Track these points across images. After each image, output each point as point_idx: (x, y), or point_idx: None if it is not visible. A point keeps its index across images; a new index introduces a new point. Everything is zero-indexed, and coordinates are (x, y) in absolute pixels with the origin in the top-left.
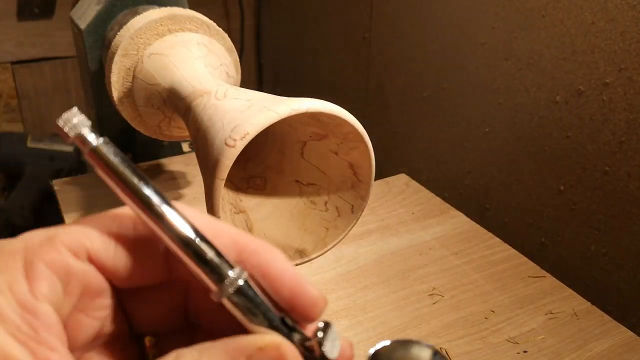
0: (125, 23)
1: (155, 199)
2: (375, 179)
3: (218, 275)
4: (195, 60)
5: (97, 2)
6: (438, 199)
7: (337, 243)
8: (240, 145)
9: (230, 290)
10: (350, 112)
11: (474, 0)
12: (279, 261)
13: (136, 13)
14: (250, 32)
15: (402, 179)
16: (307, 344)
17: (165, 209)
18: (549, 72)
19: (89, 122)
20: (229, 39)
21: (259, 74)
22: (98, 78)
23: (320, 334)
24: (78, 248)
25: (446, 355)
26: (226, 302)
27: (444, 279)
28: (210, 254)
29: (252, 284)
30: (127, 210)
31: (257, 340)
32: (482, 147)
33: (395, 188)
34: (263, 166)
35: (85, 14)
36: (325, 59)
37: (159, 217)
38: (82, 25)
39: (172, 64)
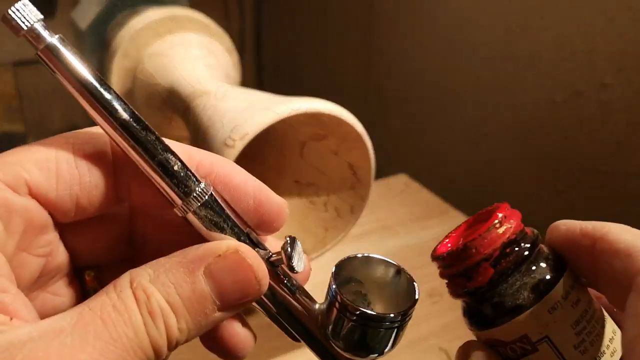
0: (125, 24)
1: (117, 104)
2: (375, 179)
3: (184, 188)
4: (195, 60)
5: (98, 3)
6: (438, 199)
7: (337, 243)
8: (240, 146)
9: (197, 204)
10: (350, 112)
11: (474, 0)
12: (240, 172)
13: (136, 13)
14: (250, 32)
15: (401, 179)
16: (272, 258)
17: (130, 116)
18: (548, 72)
19: (41, 16)
20: (228, 39)
21: (259, 74)
22: None
23: (288, 249)
24: (16, 182)
25: (411, 277)
26: (191, 217)
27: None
28: (176, 166)
29: (217, 197)
30: (60, 138)
31: (214, 248)
32: (481, 147)
33: (395, 188)
34: (263, 166)
35: (85, 15)
36: (325, 59)
37: (121, 125)
38: (83, 25)
39: (172, 64)
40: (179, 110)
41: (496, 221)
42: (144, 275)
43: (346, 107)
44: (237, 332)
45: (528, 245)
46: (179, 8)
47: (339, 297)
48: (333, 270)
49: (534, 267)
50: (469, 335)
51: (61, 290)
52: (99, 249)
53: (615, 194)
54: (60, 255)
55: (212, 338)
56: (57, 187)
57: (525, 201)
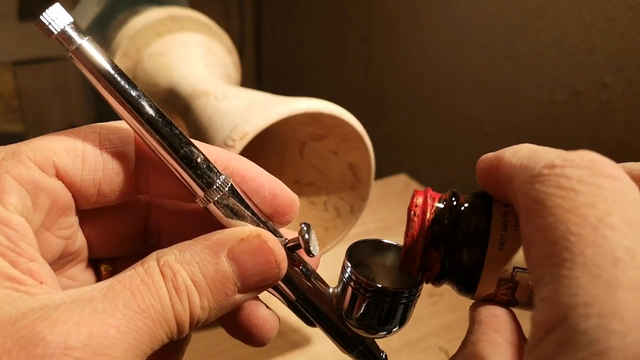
0: (125, 23)
1: (143, 101)
2: (375, 179)
3: (207, 180)
4: (195, 60)
5: (98, 3)
6: None
7: (336, 243)
8: (240, 146)
9: (219, 194)
10: (349, 112)
11: (474, 0)
12: (255, 166)
13: (136, 13)
14: (250, 32)
15: (401, 179)
16: (288, 245)
17: (155, 112)
18: (548, 72)
19: (72, 19)
20: (228, 39)
21: (259, 74)
22: None
23: (305, 234)
24: (45, 163)
25: None
26: (212, 208)
27: None
28: (199, 159)
29: (237, 188)
30: (88, 128)
31: (238, 232)
32: (481, 147)
33: (395, 188)
34: (263, 166)
35: (85, 15)
36: (325, 59)
37: (147, 121)
38: (83, 25)
39: (172, 64)
40: (179, 110)
41: (411, 213)
42: (170, 254)
43: (346, 107)
44: (262, 314)
45: (447, 213)
46: (179, 8)
47: (354, 276)
48: (346, 253)
49: (463, 225)
50: None
51: (77, 276)
52: (115, 240)
53: None
54: (79, 240)
55: (236, 322)
56: (82, 172)
57: None
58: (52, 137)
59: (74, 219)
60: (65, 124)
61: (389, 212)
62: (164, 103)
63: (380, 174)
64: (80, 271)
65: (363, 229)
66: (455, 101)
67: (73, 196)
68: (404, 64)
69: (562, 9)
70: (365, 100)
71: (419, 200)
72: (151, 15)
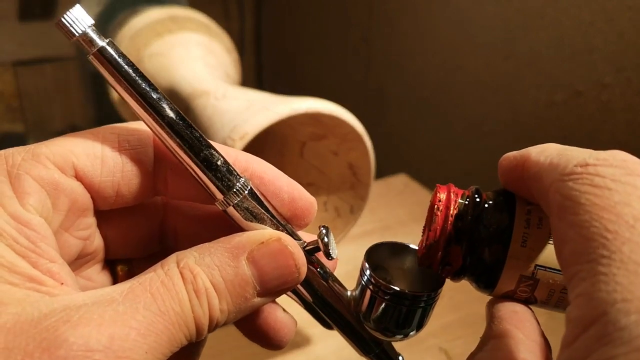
0: (125, 23)
1: (164, 104)
2: (375, 179)
3: (227, 182)
4: (195, 60)
5: (98, 3)
6: None
7: (337, 243)
8: (240, 146)
9: (238, 198)
10: (349, 112)
11: (474, 0)
12: (273, 169)
13: (136, 13)
14: (250, 32)
15: (401, 179)
16: (307, 248)
17: (175, 115)
18: (548, 72)
19: (92, 21)
20: (228, 39)
21: (259, 74)
22: (98, 78)
23: (324, 237)
24: (65, 164)
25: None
26: (231, 210)
27: None
28: (219, 161)
29: (256, 191)
30: (107, 129)
31: (258, 235)
32: (481, 147)
33: (395, 188)
34: None
35: None
36: (325, 59)
37: (168, 124)
38: None
39: (172, 64)
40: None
41: (435, 207)
42: (190, 256)
43: (346, 107)
44: (279, 317)
45: (471, 209)
46: (179, 8)
47: (373, 279)
48: (364, 255)
49: (487, 222)
50: (469, 334)
51: (94, 276)
52: (131, 241)
53: None
54: (97, 241)
55: (254, 325)
56: (101, 173)
57: None
58: (71, 138)
59: (92, 220)
60: (65, 124)
61: (389, 212)
62: None
63: (380, 174)
64: (97, 272)
65: (363, 229)
66: (455, 101)
67: (91, 197)
68: (404, 64)
69: (562, 9)
70: (365, 100)
71: (442, 195)
72: (151, 15)
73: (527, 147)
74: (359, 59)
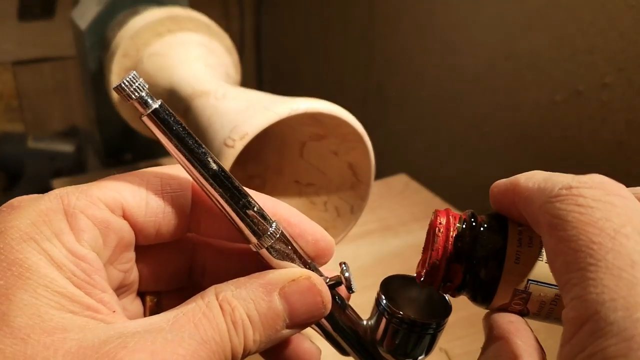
0: (125, 23)
1: (209, 158)
2: (375, 179)
3: (262, 227)
4: (195, 60)
5: (98, 3)
6: (438, 199)
7: (337, 244)
8: (240, 146)
9: (271, 241)
10: (350, 112)
11: (474, 0)
12: (298, 213)
13: (136, 13)
14: (250, 32)
15: (401, 179)
16: (329, 282)
17: (218, 168)
18: (549, 72)
19: (147, 86)
20: (228, 39)
21: (259, 74)
22: (98, 78)
23: (346, 273)
24: (114, 204)
25: (448, 300)
26: (264, 252)
27: None
28: (255, 208)
29: (287, 234)
30: (151, 172)
31: (290, 273)
32: (481, 147)
33: (395, 188)
34: (262, 166)
35: (85, 15)
36: (325, 59)
37: (212, 176)
38: (83, 25)
39: (172, 64)
40: (178, 110)
41: (436, 230)
42: (228, 290)
43: (346, 107)
44: (306, 347)
45: (468, 231)
46: (179, 8)
47: (389, 309)
48: (380, 287)
49: (483, 242)
50: (469, 335)
51: (128, 306)
52: (163, 274)
53: None
54: (134, 273)
55: (282, 356)
56: (146, 214)
57: None
58: (119, 180)
59: (132, 254)
60: (65, 124)
61: (389, 212)
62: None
63: (380, 174)
64: (130, 301)
65: (363, 229)
66: (455, 101)
67: (134, 234)
68: (404, 64)
69: (562, 8)
70: (365, 100)
71: (443, 219)
72: (151, 15)
73: (527, 147)
74: (359, 59)
